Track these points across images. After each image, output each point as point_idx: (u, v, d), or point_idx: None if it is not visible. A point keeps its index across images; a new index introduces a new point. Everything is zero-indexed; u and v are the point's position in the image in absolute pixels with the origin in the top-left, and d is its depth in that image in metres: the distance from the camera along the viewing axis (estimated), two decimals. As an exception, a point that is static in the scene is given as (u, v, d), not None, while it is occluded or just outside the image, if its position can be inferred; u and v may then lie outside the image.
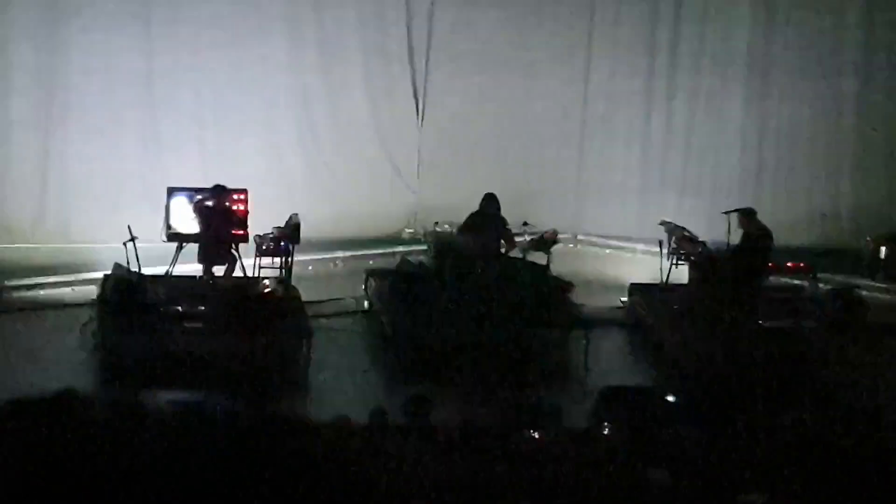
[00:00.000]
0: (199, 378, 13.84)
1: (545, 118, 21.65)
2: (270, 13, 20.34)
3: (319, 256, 19.22)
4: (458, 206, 17.94)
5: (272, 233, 16.63)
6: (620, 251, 21.16)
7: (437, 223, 18.05)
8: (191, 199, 16.61)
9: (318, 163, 20.73)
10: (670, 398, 11.43)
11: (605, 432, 10.00)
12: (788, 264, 17.44)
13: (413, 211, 21.32)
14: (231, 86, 20.23)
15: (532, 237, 17.13)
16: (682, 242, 16.98)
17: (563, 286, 16.62)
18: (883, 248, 20.46)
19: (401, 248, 19.74)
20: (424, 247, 18.52)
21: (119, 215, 17.79)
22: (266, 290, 15.78)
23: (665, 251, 17.13)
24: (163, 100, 19.94)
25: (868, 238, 20.66)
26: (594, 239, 21.65)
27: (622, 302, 17.44)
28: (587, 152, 21.93)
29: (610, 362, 15.62)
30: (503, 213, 16.83)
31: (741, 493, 8.13)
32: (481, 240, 16.55)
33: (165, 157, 19.89)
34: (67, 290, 17.31)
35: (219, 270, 16.44)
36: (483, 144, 21.29)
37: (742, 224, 16.36)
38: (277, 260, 16.66)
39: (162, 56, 19.83)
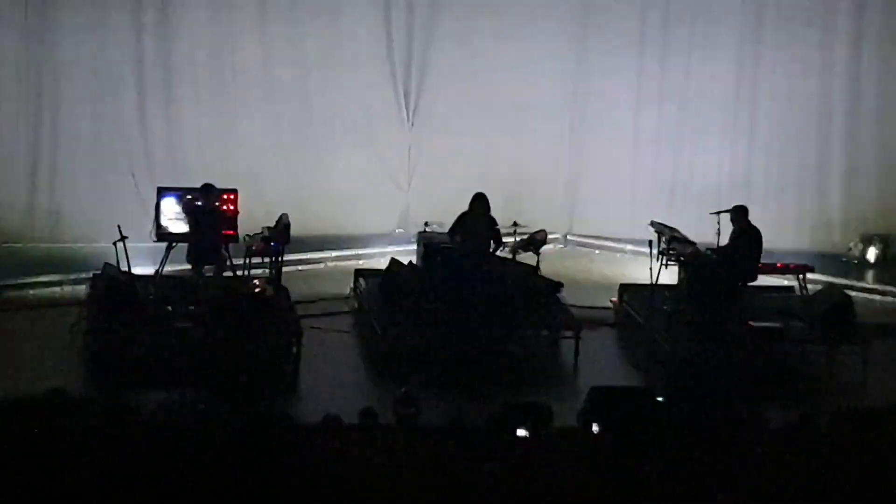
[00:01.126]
0: (189, 377, 13.84)
1: (536, 118, 21.65)
2: (266, 14, 20.36)
3: (309, 256, 19.23)
4: (448, 206, 17.94)
5: (262, 232, 16.63)
6: (610, 252, 21.18)
7: (426, 223, 18.05)
8: (180, 199, 16.59)
9: (308, 162, 20.73)
10: (660, 398, 11.44)
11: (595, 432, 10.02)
12: (778, 265, 17.47)
13: (403, 211, 21.32)
14: (224, 85, 20.25)
15: (522, 237, 17.14)
16: (671, 243, 16.99)
17: (553, 286, 16.65)
18: (872, 249, 20.54)
19: (391, 248, 19.73)
20: (414, 246, 18.49)
21: (109, 215, 17.83)
22: (255, 290, 15.76)
23: (655, 252, 17.14)
24: (154, 98, 19.94)
25: (856, 240, 20.76)
26: (584, 239, 21.67)
27: (611, 302, 17.44)
28: (578, 152, 21.94)
29: (599, 362, 15.62)
30: (493, 213, 16.83)
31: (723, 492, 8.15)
32: (471, 240, 16.56)
33: (157, 156, 19.92)
34: (57, 289, 17.30)
35: (209, 270, 16.42)
36: (473, 144, 21.28)
37: (734, 221, 16.40)
38: (267, 260, 16.67)
39: (156, 54, 19.84)
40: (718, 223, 16.49)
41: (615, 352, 16.51)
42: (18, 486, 6.77)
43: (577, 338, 15.61)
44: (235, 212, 16.63)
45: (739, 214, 16.47)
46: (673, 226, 17.37)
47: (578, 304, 16.95)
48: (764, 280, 17.18)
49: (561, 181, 21.91)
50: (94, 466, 6.85)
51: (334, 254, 19.66)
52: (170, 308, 15.41)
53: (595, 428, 10.17)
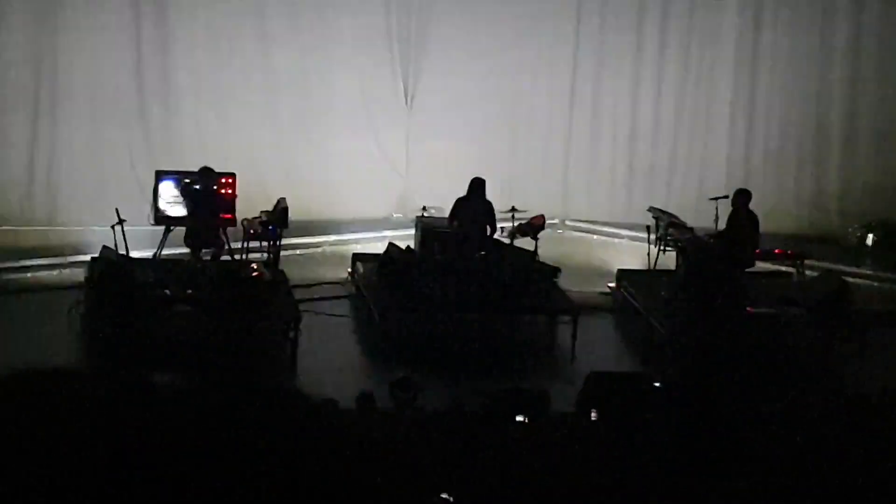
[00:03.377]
0: (187, 361, 13.84)
1: (534, 103, 21.65)
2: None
3: (307, 240, 19.23)
4: (446, 190, 17.94)
5: (260, 216, 16.63)
6: (608, 237, 21.18)
7: (424, 207, 18.05)
8: (178, 182, 16.58)
9: (306, 146, 20.72)
10: (657, 384, 11.45)
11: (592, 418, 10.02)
12: (776, 251, 17.48)
13: (401, 195, 21.32)
14: (222, 69, 20.25)
15: (520, 222, 17.14)
16: (669, 228, 17.01)
17: (550, 271, 16.66)
18: (870, 236, 20.56)
19: (389, 233, 19.73)
20: (412, 231, 18.50)
21: (107, 198, 17.84)
22: (253, 274, 15.76)
23: (653, 237, 17.15)
24: (153, 82, 19.93)
25: (854, 226, 20.77)
26: (582, 224, 21.67)
27: (609, 288, 17.45)
28: (576, 137, 21.93)
29: (597, 348, 15.63)
30: (491, 198, 16.84)
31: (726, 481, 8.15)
32: (468, 225, 16.56)
33: (155, 139, 19.92)
34: (55, 272, 17.29)
35: (206, 254, 16.42)
36: (471, 129, 21.29)
37: (734, 203, 16.42)
38: (265, 244, 16.67)
39: (152, 38, 19.83)
40: (717, 209, 16.51)
41: (613, 337, 16.53)
42: (17, 465, 6.77)
43: (574, 323, 15.62)
44: (233, 195, 16.63)
45: (741, 198, 16.48)
46: (671, 211, 17.39)
47: (576, 289, 16.96)
48: (762, 266, 17.19)
49: (559, 166, 21.90)
50: (92, 447, 6.85)
51: (332, 238, 19.65)
52: (167, 292, 15.42)
53: (593, 413, 10.18)
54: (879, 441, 8.86)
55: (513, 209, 17.03)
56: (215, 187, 16.48)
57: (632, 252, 19.07)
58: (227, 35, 20.24)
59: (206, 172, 16.43)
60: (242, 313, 14.85)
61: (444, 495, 7.70)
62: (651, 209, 17.48)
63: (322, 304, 16.49)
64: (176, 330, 14.78)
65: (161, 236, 16.46)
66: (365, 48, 20.99)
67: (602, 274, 18.11)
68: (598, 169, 21.88)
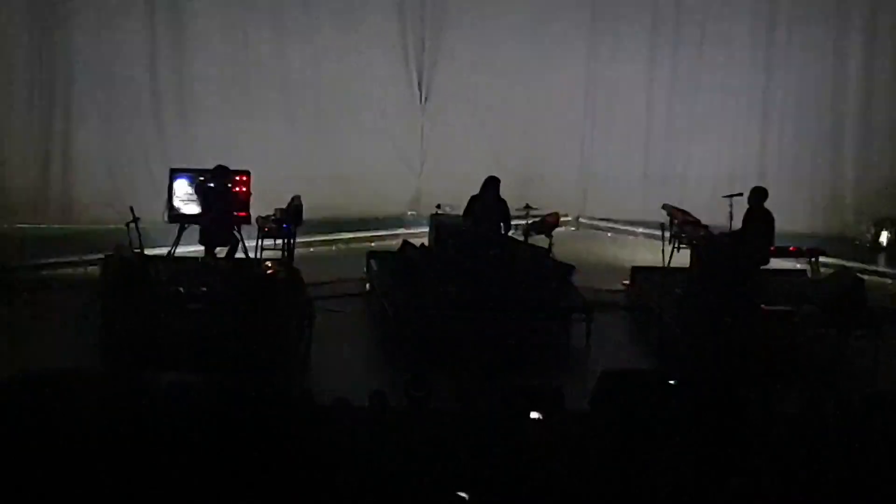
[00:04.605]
0: (201, 359, 13.86)
1: (549, 100, 21.63)
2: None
3: (321, 238, 19.25)
4: (460, 188, 17.94)
5: (274, 214, 16.63)
6: (622, 234, 21.17)
7: (438, 206, 18.04)
8: (193, 180, 16.61)
9: (320, 144, 20.73)
10: (671, 382, 11.45)
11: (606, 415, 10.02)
12: (790, 248, 17.44)
13: (415, 193, 21.32)
14: (237, 66, 20.27)
15: (534, 220, 17.13)
16: (684, 226, 16.97)
17: (565, 269, 16.65)
18: (884, 233, 20.51)
19: (403, 230, 19.75)
20: (426, 229, 18.50)
21: (121, 196, 17.88)
22: (268, 272, 15.78)
23: (667, 235, 17.12)
24: (167, 80, 19.95)
25: (869, 223, 20.71)
26: (596, 222, 21.66)
27: (623, 285, 17.43)
28: (590, 135, 21.92)
29: (611, 345, 15.62)
30: (505, 195, 16.83)
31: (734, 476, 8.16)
32: (482, 223, 16.56)
33: (169, 137, 19.94)
34: (69, 270, 17.32)
35: (221, 252, 16.44)
36: (486, 127, 21.28)
37: (750, 201, 16.39)
38: (279, 241, 16.67)
39: (169, 35, 19.85)
40: (731, 206, 16.47)
41: (627, 335, 16.51)
42: (31, 463, 6.81)
43: (588, 321, 15.61)
44: (248, 193, 16.65)
45: (756, 196, 16.45)
46: (685, 209, 17.36)
47: (590, 287, 16.94)
48: (776, 263, 17.15)
49: (573, 164, 21.89)
50: (107, 444, 6.88)
51: (346, 236, 19.66)
52: (182, 289, 15.44)
53: (606, 411, 10.18)
54: (893, 438, 8.86)
55: (527, 207, 17.00)
56: (230, 185, 16.51)
57: (646, 249, 19.04)
58: (243, 33, 20.26)
59: (221, 170, 16.45)
60: (256, 311, 14.87)
61: (460, 493, 7.71)
62: (665, 206, 17.44)
63: (336, 302, 16.51)
64: (190, 328, 14.79)
65: (175, 234, 16.48)
66: (380, 46, 21.00)
67: (616, 271, 18.10)
68: (613, 166, 21.85)
